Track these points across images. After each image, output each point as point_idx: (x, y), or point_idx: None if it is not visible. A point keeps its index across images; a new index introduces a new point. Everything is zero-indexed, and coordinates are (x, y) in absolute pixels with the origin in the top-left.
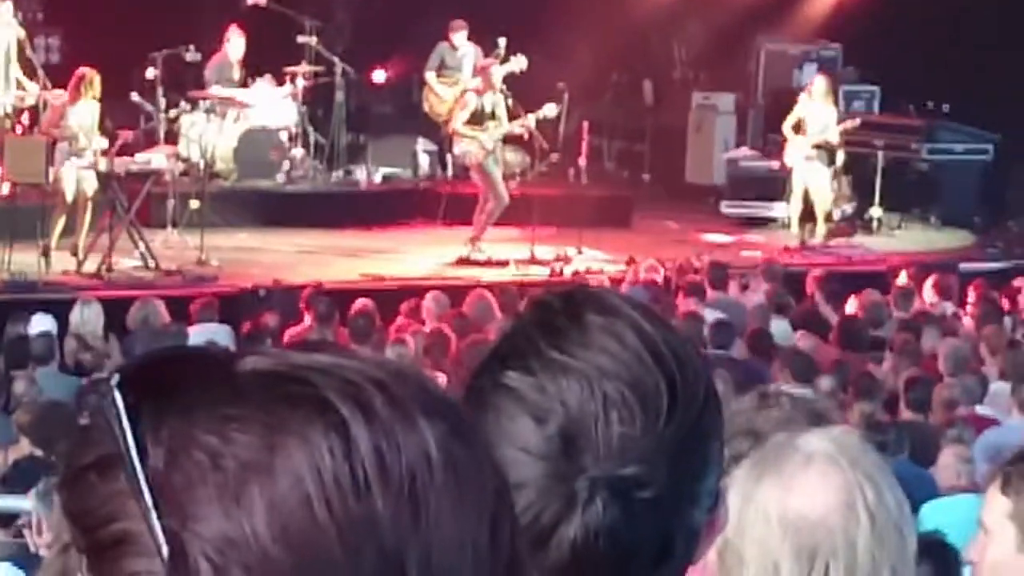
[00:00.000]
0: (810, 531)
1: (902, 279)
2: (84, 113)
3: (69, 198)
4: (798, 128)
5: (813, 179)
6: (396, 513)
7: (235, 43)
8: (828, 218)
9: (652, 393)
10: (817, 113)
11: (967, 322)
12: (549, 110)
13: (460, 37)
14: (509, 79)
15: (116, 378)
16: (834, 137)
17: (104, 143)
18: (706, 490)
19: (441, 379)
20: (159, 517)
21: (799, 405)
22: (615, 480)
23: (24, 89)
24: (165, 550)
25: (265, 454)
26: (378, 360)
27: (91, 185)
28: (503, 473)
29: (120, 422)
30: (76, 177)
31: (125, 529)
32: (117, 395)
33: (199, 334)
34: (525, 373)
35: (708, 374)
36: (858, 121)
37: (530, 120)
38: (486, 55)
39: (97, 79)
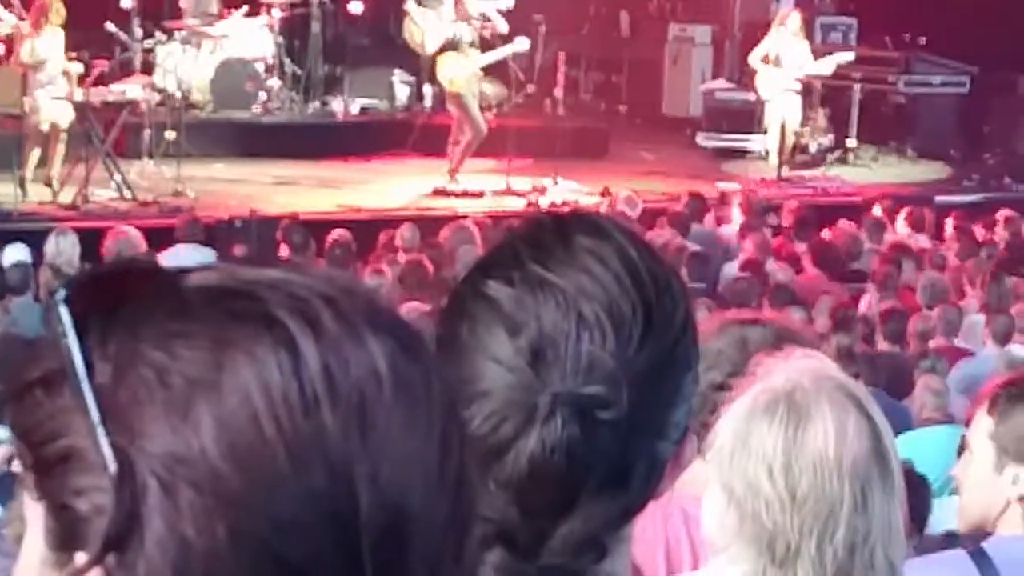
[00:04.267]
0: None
1: (876, 211)
2: (50, 41)
3: (44, 128)
4: (766, 60)
5: (792, 112)
6: (344, 430)
7: None
8: (803, 150)
9: (627, 317)
10: (793, 47)
11: (943, 254)
12: (520, 44)
13: None
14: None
15: (62, 292)
16: (824, 70)
17: (78, 68)
18: (673, 421)
19: (419, 307)
20: (106, 433)
21: (770, 331)
22: (577, 398)
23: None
24: (112, 466)
25: (212, 370)
26: (327, 275)
27: (64, 115)
28: (453, 390)
29: (66, 336)
30: (49, 107)
31: (72, 445)
32: (63, 309)
33: (184, 256)
34: (505, 284)
35: (688, 306)
36: (851, 55)
37: (505, 51)
38: None
39: (60, 6)
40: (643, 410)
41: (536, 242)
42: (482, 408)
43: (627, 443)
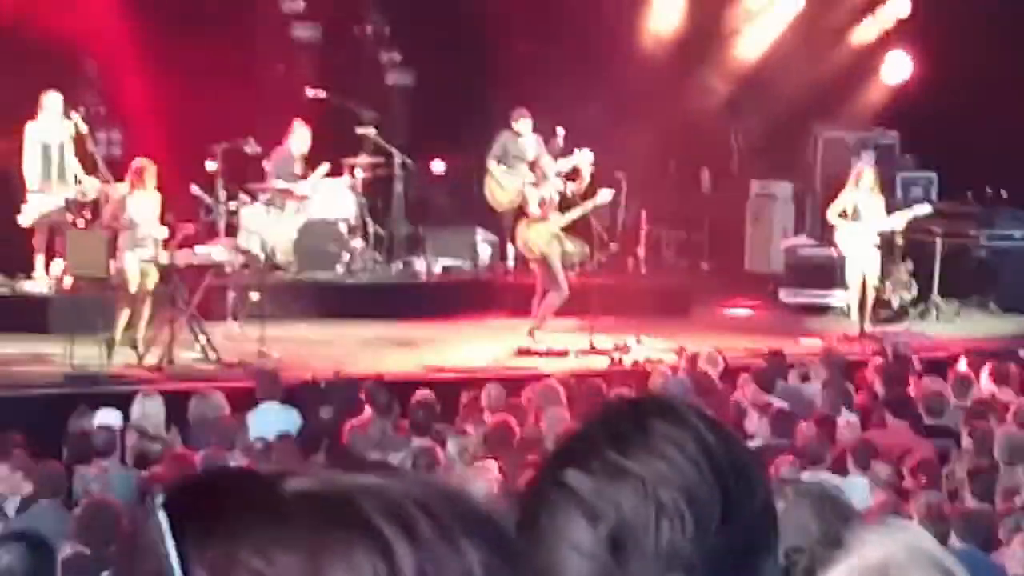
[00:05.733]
0: None
1: (961, 367)
2: (143, 204)
3: (132, 290)
4: (844, 215)
5: (871, 267)
6: None
7: (299, 136)
8: (886, 305)
9: (706, 503)
10: (868, 202)
11: None
12: (602, 197)
13: (523, 125)
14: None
15: (161, 498)
16: (899, 225)
17: (165, 232)
18: None
19: (494, 467)
20: None
21: (803, 492)
22: None
23: (82, 183)
24: None
25: None
26: (422, 480)
27: (152, 277)
28: None
29: (164, 542)
30: (138, 269)
31: None
32: (162, 516)
33: (266, 414)
34: (584, 473)
35: (767, 489)
36: (928, 207)
37: (587, 207)
38: (546, 144)
39: (153, 169)
40: None
41: (613, 429)
42: None
43: None
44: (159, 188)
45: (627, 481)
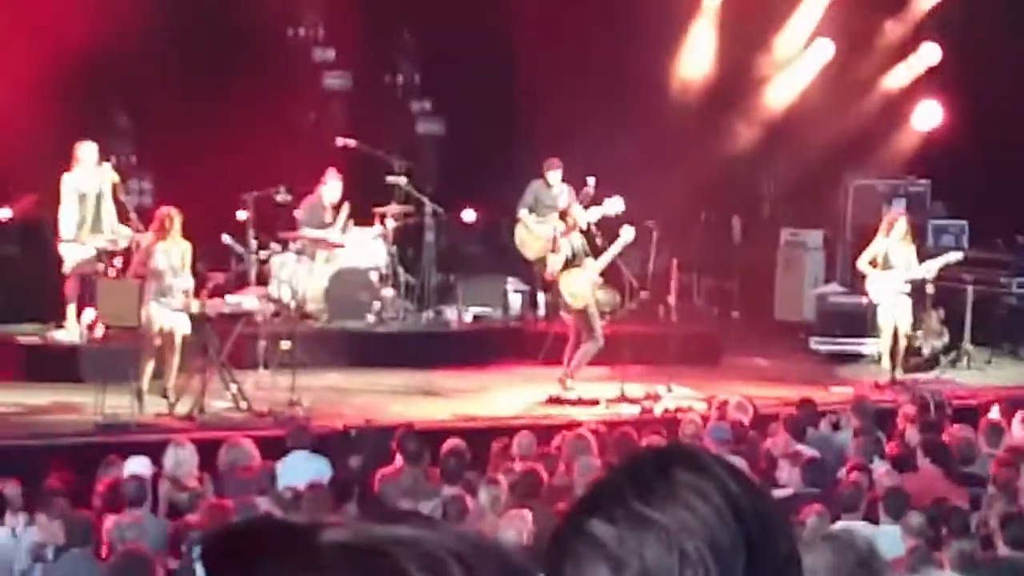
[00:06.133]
0: None
1: (993, 414)
2: (171, 252)
3: (157, 339)
4: (874, 264)
5: (902, 315)
6: None
7: (331, 186)
8: (917, 353)
9: (729, 553)
10: (899, 250)
11: None
12: (627, 234)
13: (555, 175)
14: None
15: (198, 549)
16: (929, 273)
17: (191, 281)
18: None
19: (527, 517)
20: None
21: (827, 540)
22: None
23: (115, 232)
24: None
25: None
26: (458, 532)
27: (180, 326)
28: None
29: None
30: (165, 318)
31: None
32: (199, 567)
33: (296, 463)
34: (607, 523)
35: (791, 538)
36: (959, 255)
37: (615, 249)
38: (577, 193)
39: (179, 218)
40: None
41: (638, 479)
42: None
43: None
44: (190, 237)
45: (650, 530)
